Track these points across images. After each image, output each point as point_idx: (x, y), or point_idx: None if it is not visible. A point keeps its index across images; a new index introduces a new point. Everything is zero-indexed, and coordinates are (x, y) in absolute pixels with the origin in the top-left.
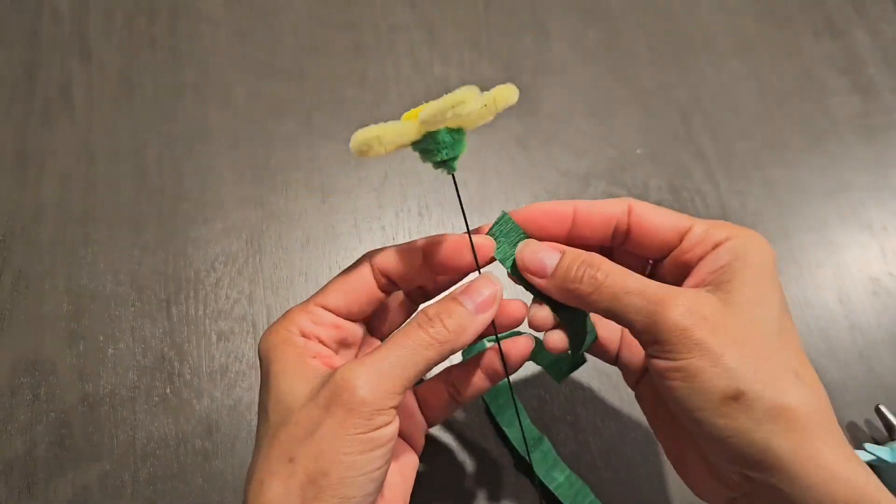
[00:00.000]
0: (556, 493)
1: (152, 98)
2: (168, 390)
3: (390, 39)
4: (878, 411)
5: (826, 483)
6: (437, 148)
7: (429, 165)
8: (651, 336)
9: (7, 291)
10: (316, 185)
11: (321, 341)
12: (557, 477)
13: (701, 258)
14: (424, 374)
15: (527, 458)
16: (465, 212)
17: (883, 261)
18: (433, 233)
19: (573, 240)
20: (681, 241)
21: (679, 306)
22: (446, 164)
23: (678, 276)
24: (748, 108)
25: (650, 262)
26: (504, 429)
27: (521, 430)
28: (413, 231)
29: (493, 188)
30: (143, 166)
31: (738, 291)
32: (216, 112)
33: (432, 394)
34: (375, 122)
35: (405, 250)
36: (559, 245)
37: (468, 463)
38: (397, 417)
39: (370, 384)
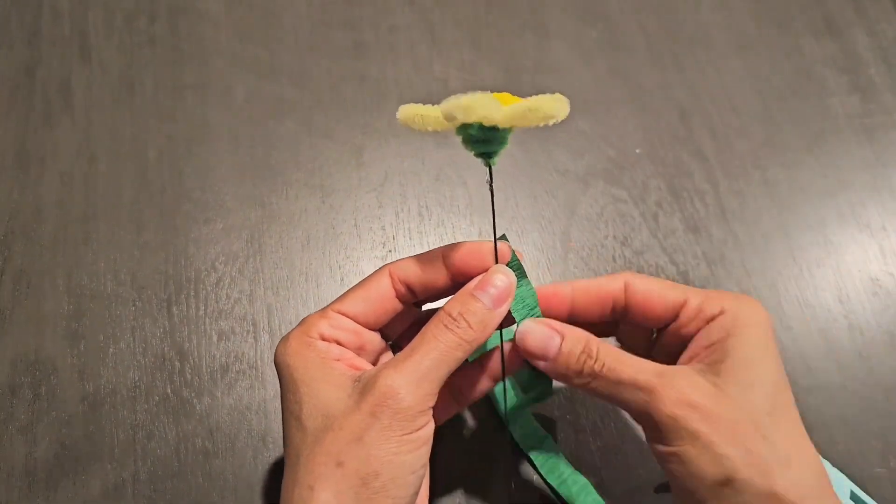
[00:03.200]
0: (559, 491)
1: (152, 97)
2: (168, 390)
3: (390, 39)
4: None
5: None
6: (474, 140)
7: (434, 164)
8: (646, 422)
9: (8, 291)
10: (316, 185)
11: (341, 344)
12: (563, 472)
13: (696, 332)
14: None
15: (527, 456)
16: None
17: (882, 260)
18: (433, 232)
19: (575, 317)
20: (677, 315)
21: (670, 396)
22: (484, 156)
23: (678, 345)
24: (748, 108)
25: (654, 330)
26: (509, 427)
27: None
28: (413, 231)
29: None
30: (144, 166)
31: (729, 373)
32: (216, 112)
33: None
34: (374, 124)
35: (424, 259)
36: (558, 326)
37: (471, 458)
38: (431, 414)
39: (411, 389)
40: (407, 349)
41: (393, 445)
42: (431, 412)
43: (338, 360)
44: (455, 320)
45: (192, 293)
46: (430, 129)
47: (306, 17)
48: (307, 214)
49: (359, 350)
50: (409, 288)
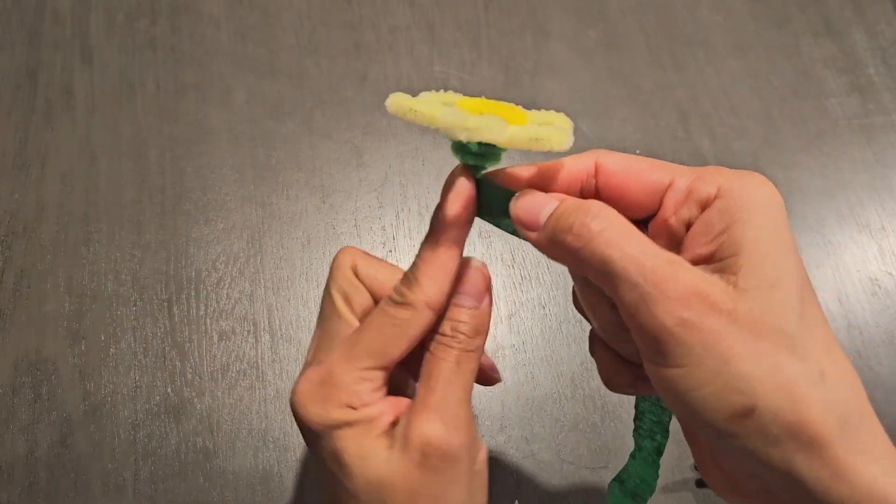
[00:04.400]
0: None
1: (153, 98)
2: (169, 389)
3: (390, 39)
4: None
5: None
6: (466, 152)
7: (434, 164)
8: (643, 330)
9: (9, 291)
10: (316, 185)
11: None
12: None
13: (688, 224)
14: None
15: None
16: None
17: (881, 261)
18: None
19: None
20: (662, 201)
21: (679, 290)
22: (472, 168)
23: (670, 243)
24: (747, 109)
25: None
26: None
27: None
28: (413, 231)
29: None
30: (145, 166)
31: (748, 270)
32: (217, 112)
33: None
34: (374, 124)
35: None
36: (562, 195)
37: None
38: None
39: (450, 430)
40: (423, 388)
41: (455, 492)
42: (475, 431)
43: (379, 417)
44: (453, 337)
45: (193, 293)
46: (418, 123)
47: (307, 17)
48: (307, 214)
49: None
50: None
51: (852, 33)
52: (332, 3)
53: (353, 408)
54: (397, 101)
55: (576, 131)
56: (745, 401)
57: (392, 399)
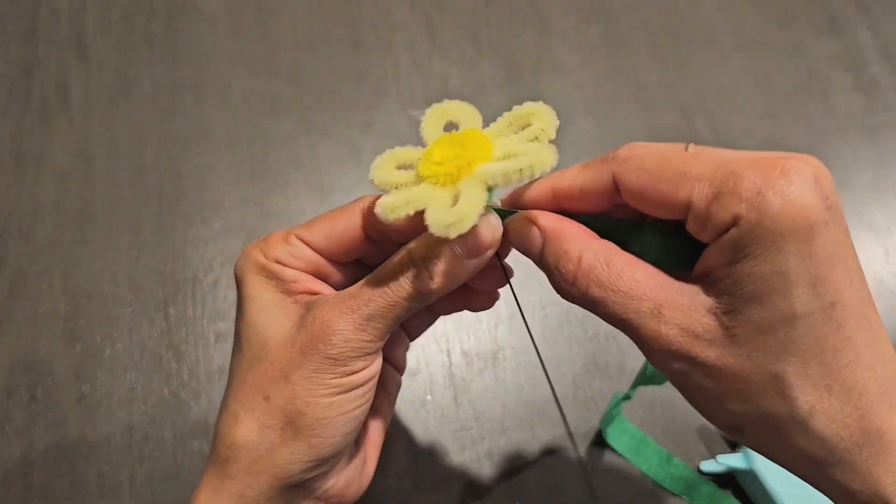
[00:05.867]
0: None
1: (150, 97)
2: (166, 391)
3: (390, 37)
4: None
5: None
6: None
7: None
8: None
9: (4, 291)
10: (314, 185)
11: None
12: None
13: (710, 240)
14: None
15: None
16: None
17: (886, 261)
18: None
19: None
20: (686, 217)
21: (663, 346)
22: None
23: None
24: (751, 107)
25: None
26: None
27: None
28: None
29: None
30: (141, 165)
31: (745, 315)
32: (214, 111)
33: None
34: (373, 123)
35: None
36: (543, 221)
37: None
38: (380, 355)
39: (347, 333)
40: (357, 285)
41: (321, 388)
42: (374, 357)
43: (294, 281)
44: (416, 267)
45: (190, 294)
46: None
47: (305, 15)
48: (306, 214)
49: (318, 275)
50: (378, 228)
51: (857, 31)
52: (330, 1)
53: (276, 261)
54: (387, 206)
55: (579, 131)
56: (737, 425)
57: (318, 282)
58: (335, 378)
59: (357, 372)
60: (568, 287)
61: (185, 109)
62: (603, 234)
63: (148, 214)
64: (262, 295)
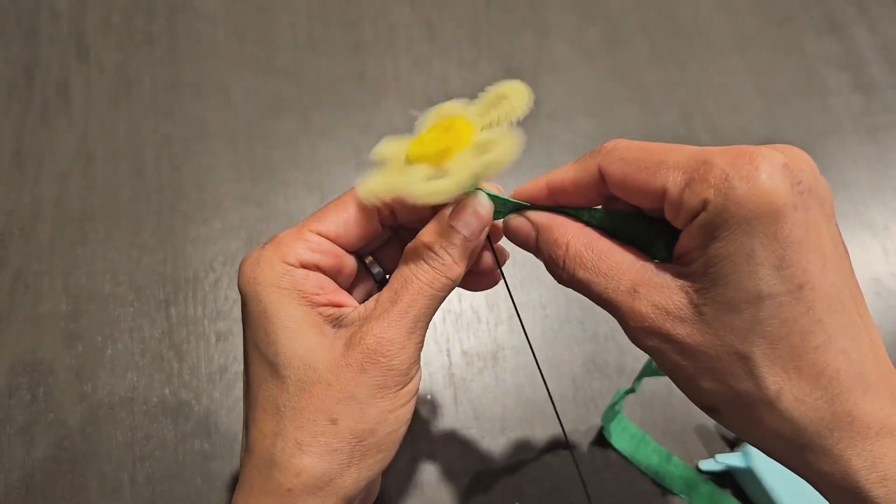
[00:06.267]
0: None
1: (150, 97)
2: (167, 391)
3: (390, 37)
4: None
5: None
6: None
7: None
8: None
9: (5, 291)
10: (315, 184)
11: (322, 270)
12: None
13: (683, 226)
14: None
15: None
16: None
17: (885, 261)
18: None
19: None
20: (662, 205)
21: (637, 322)
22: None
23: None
24: (749, 107)
25: None
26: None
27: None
28: None
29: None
30: (142, 165)
31: (713, 294)
32: (214, 111)
33: None
34: (373, 122)
35: None
36: (537, 218)
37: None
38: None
39: (402, 339)
40: (390, 293)
41: (387, 403)
42: (419, 357)
43: (317, 294)
44: (437, 255)
45: (191, 294)
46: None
47: (305, 15)
48: (305, 214)
49: (337, 275)
50: (391, 209)
51: (855, 31)
52: (330, 1)
53: (299, 261)
54: (370, 189)
55: (578, 131)
56: (711, 404)
57: (341, 293)
58: (399, 389)
59: (413, 378)
60: (560, 272)
61: (184, 109)
62: (595, 226)
63: (148, 214)
64: (288, 313)
